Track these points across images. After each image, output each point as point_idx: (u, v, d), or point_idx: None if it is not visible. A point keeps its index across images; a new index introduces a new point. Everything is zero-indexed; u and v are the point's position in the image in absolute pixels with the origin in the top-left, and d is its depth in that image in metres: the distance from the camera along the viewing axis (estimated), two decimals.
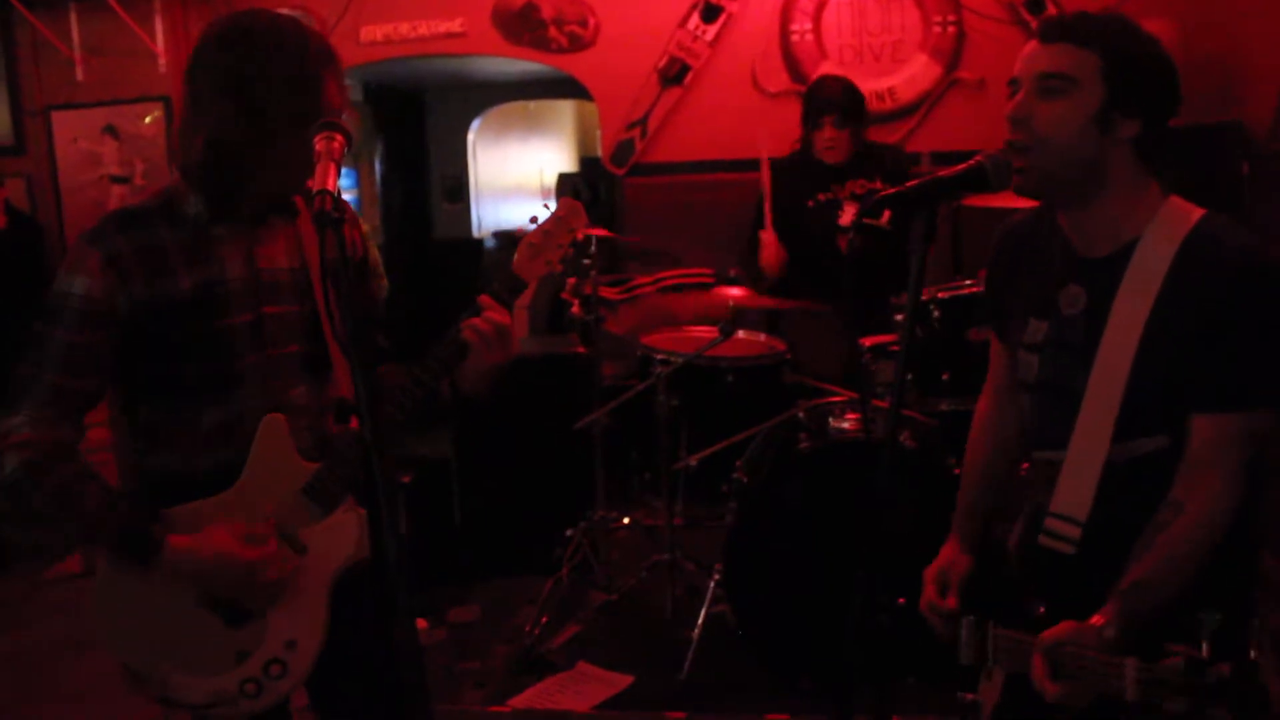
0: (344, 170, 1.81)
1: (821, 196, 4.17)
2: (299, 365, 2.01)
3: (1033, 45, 1.74)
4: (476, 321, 1.90)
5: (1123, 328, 1.70)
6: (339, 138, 1.67)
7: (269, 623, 1.94)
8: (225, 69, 1.82)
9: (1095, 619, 1.56)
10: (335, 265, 1.52)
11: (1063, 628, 1.58)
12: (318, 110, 1.81)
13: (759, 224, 4.10)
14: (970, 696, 1.93)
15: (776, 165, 4.32)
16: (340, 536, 1.99)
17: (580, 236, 1.99)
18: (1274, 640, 1.60)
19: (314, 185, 1.56)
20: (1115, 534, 1.71)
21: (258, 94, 1.81)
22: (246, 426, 1.93)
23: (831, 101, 4.09)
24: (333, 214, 1.54)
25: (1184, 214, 1.72)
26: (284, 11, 1.96)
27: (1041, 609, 1.76)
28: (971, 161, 1.72)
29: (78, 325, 1.80)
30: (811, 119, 4.13)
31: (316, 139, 1.63)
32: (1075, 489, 1.75)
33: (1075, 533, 1.75)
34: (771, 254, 4.05)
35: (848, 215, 4.13)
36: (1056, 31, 1.71)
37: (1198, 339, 1.65)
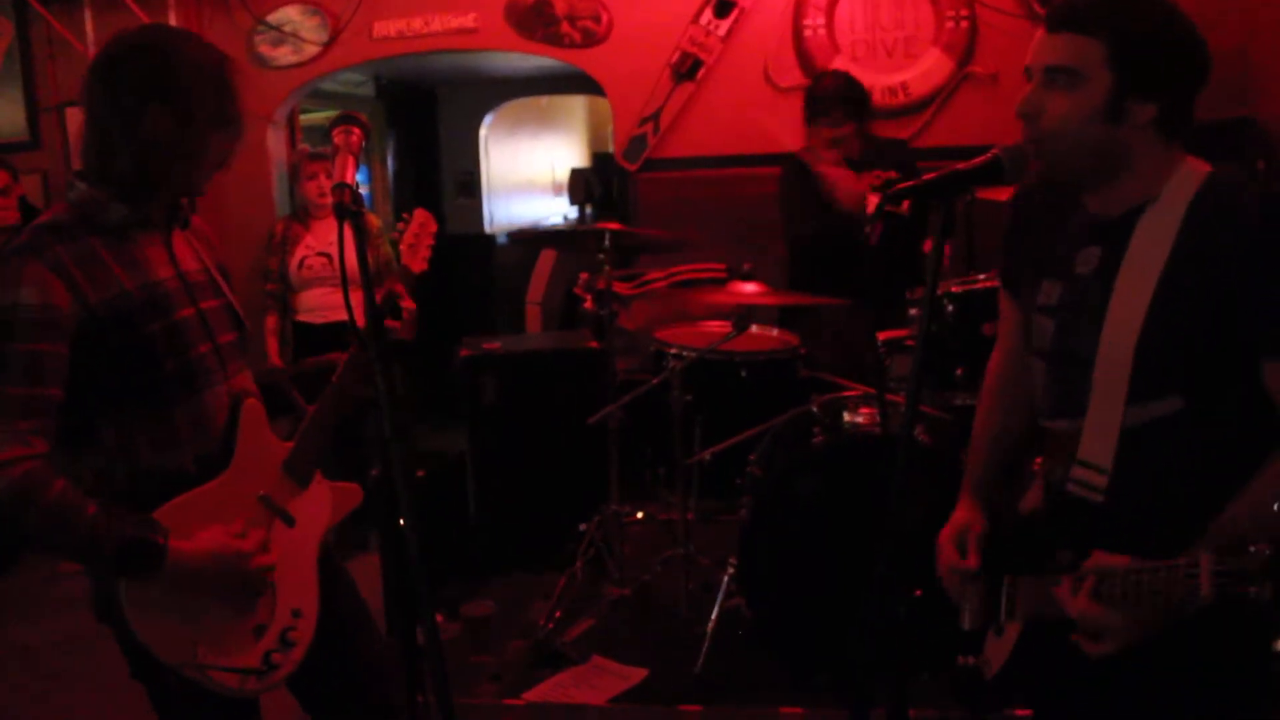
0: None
1: None
2: (238, 351, 2.10)
3: (1040, 34, 1.69)
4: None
5: (1133, 286, 1.67)
6: (357, 131, 1.70)
7: (277, 595, 2.02)
8: (152, 76, 1.87)
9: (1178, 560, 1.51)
10: (362, 258, 1.53)
11: (1120, 557, 1.56)
12: (236, 111, 1.94)
13: (798, 185, 4.16)
14: (971, 660, 1.92)
15: (792, 160, 4.34)
16: (320, 507, 2.15)
17: (434, 242, 2.32)
18: None
19: (334, 178, 1.58)
20: (1141, 493, 1.69)
21: (185, 98, 1.87)
22: (213, 415, 1.99)
23: (829, 98, 4.13)
24: (351, 207, 1.56)
25: (1195, 171, 1.68)
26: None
27: (1070, 557, 1.72)
28: (988, 155, 1.71)
29: (35, 335, 1.76)
30: (810, 116, 4.17)
31: (335, 132, 1.65)
32: (1100, 441, 1.72)
33: (1103, 481, 1.72)
34: (843, 180, 4.11)
35: (871, 204, 4.14)
36: (1060, 20, 1.66)
37: (1229, 290, 1.59)
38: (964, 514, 2.00)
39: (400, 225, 2.27)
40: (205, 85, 1.89)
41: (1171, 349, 1.64)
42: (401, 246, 2.24)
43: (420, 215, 2.31)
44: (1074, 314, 1.77)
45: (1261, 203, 1.61)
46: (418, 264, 2.27)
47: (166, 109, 1.85)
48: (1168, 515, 1.66)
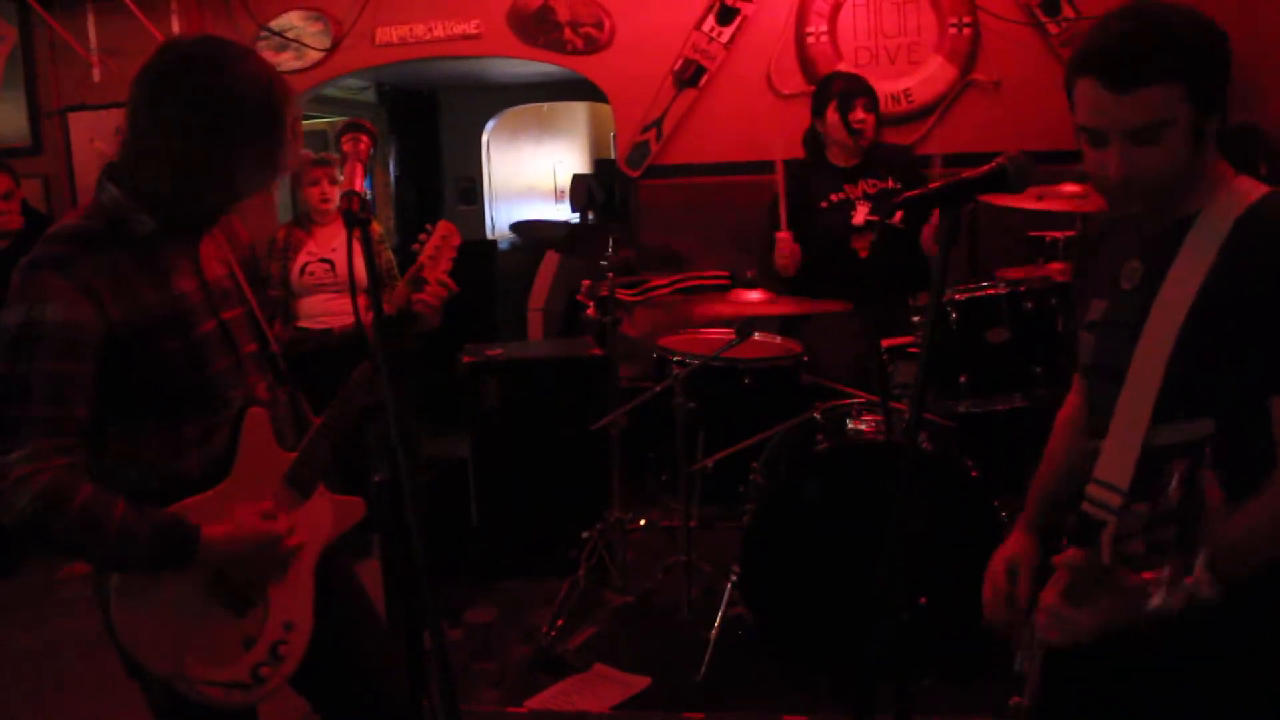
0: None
1: (834, 197, 4.19)
2: (257, 362, 2.07)
3: (1106, 98, 1.60)
4: (425, 296, 2.08)
5: (1171, 302, 1.64)
6: (365, 139, 1.71)
7: (269, 607, 2.00)
8: (200, 97, 1.80)
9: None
10: (370, 266, 1.54)
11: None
12: (282, 141, 1.87)
13: (774, 225, 4.11)
14: (1020, 700, 1.90)
15: (790, 167, 4.34)
16: (320, 520, 2.11)
17: (455, 254, 2.20)
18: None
19: (342, 185, 1.58)
20: None
21: (231, 127, 1.81)
22: (224, 426, 1.97)
23: (859, 86, 4.15)
24: (360, 214, 1.57)
25: (1248, 190, 1.66)
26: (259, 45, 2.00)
27: None
28: (993, 163, 1.72)
29: (60, 354, 1.73)
30: (844, 102, 4.13)
31: (344, 140, 1.66)
32: (1118, 460, 1.68)
33: (1118, 501, 1.66)
34: (787, 253, 4.06)
35: (860, 215, 4.15)
36: (1131, 76, 1.58)
37: (1257, 318, 1.57)
38: (1017, 545, 1.95)
39: (422, 236, 2.17)
40: (253, 116, 1.82)
41: (1204, 369, 1.61)
42: (422, 259, 2.14)
43: (444, 227, 2.23)
44: (1114, 329, 1.75)
45: None
46: (437, 277, 2.18)
47: (210, 134, 1.80)
48: None
